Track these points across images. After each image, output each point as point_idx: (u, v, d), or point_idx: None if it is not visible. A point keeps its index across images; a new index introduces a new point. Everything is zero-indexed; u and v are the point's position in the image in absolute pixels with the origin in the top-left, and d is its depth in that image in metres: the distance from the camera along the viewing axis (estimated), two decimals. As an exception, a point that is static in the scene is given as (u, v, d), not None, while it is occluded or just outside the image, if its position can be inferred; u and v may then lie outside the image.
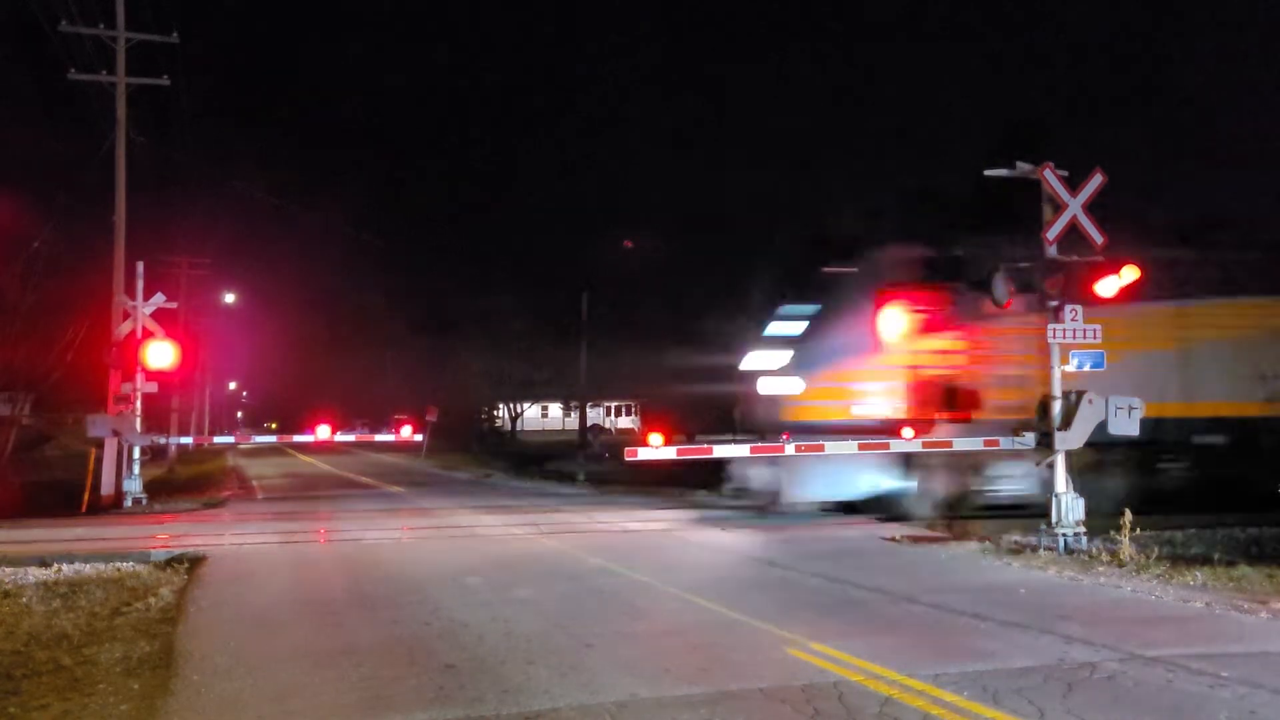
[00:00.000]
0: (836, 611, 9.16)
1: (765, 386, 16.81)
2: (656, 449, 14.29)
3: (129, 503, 20.32)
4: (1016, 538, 13.32)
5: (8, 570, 11.55)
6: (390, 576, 11.34)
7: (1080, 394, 12.95)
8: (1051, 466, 13.01)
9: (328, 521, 17.65)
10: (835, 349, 16.45)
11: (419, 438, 35.91)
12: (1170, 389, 16.75)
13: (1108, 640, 7.85)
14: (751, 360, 17.35)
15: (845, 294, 16.65)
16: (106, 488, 20.98)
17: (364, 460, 44.19)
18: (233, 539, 14.84)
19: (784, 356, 16.68)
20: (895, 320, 16.21)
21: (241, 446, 56.29)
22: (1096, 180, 12.95)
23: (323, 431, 25.30)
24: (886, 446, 14.69)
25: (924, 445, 14.88)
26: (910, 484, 16.18)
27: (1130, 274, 12.76)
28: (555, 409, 77.59)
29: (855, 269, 16.80)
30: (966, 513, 15.82)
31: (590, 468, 30.91)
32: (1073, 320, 12.88)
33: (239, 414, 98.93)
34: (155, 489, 23.25)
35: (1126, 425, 12.82)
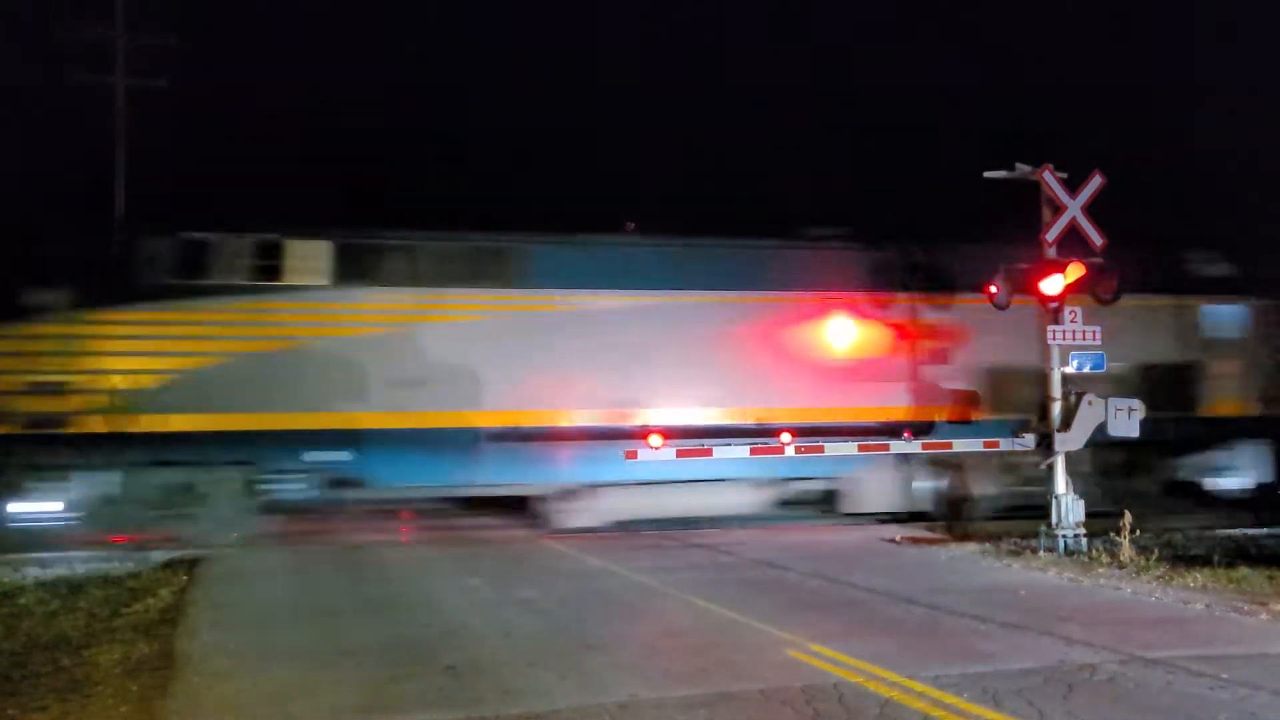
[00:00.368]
0: (836, 612, 9.15)
1: None
2: (657, 449, 14.31)
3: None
4: (1016, 539, 13.33)
5: (7, 571, 11.55)
6: (391, 577, 11.33)
7: (1080, 395, 12.96)
8: (1050, 468, 13.00)
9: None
10: None
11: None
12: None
13: (1108, 642, 7.85)
14: None
15: None
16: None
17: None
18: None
19: None
20: None
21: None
22: (1096, 181, 12.96)
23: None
24: (886, 448, 14.73)
25: (923, 447, 14.91)
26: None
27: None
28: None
29: None
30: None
31: None
32: (1072, 322, 12.89)
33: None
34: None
35: (1126, 427, 12.83)
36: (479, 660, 7.50)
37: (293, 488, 14.06)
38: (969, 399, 15.89)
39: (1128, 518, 12.00)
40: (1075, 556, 12.22)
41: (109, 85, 23.38)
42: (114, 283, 13.80)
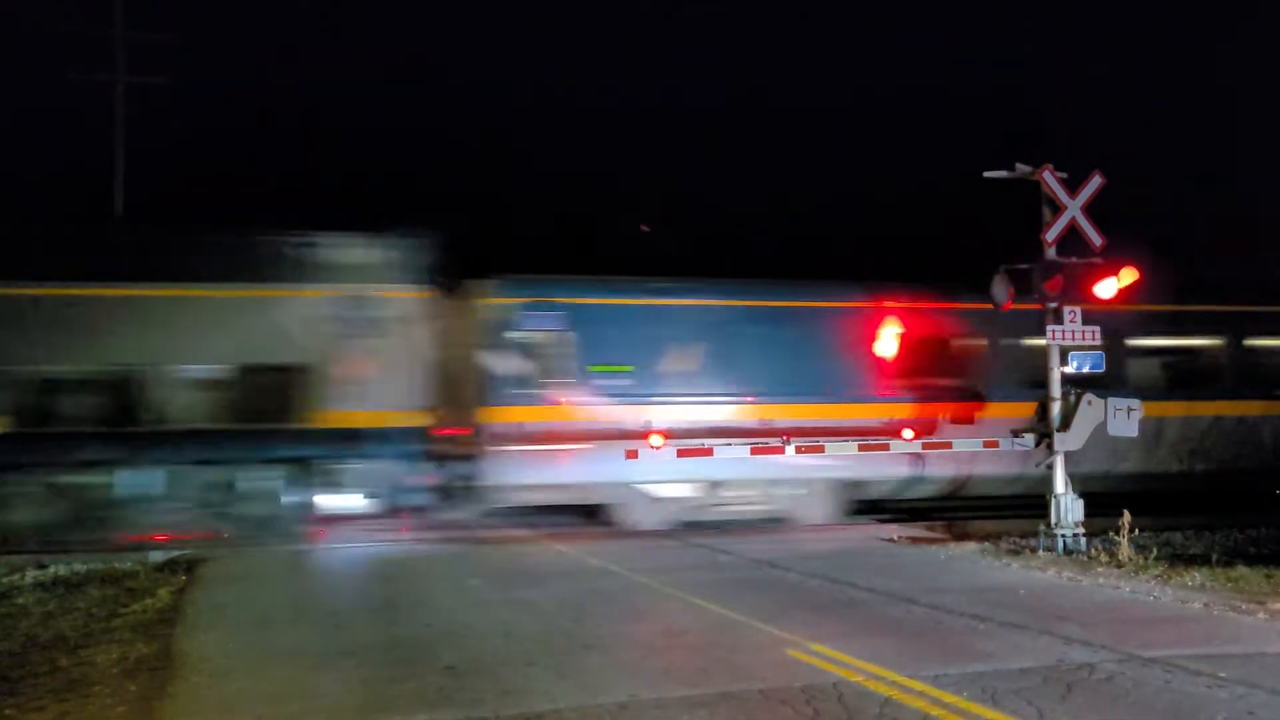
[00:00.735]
0: (836, 612, 9.15)
1: None
2: (657, 449, 14.31)
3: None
4: (1015, 538, 13.34)
5: (5, 570, 11.54)
6: (390, 577, 11.32)
7: (1080, 395, 12.96)
8: (1050, 468, 13.00)
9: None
10: None
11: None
12: None
13: (1106, 641, 7.85)
14: None
15: None
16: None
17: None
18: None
19: None
20: None
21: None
22: (1096, 182, 12.96)
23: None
24: (887, 448, 14.72)
25: (924, 446, 14.92)
26: None
27: (1129, 275, 12.77)
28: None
29: None
30: None
31: None
32: (1072, 322, 12.89)
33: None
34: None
35: (1126, 427, 12.83)
36: (479, 660, 7.49)
37: None
38: None
39: (1127, 517, 12.00)
40: (1074, 556, 12.23)
41: (109, 83, 23.40)
42: None
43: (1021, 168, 13.22)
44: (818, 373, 15.62)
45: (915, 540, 13.97)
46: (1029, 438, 13.37)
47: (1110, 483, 15.68)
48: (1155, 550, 11.85)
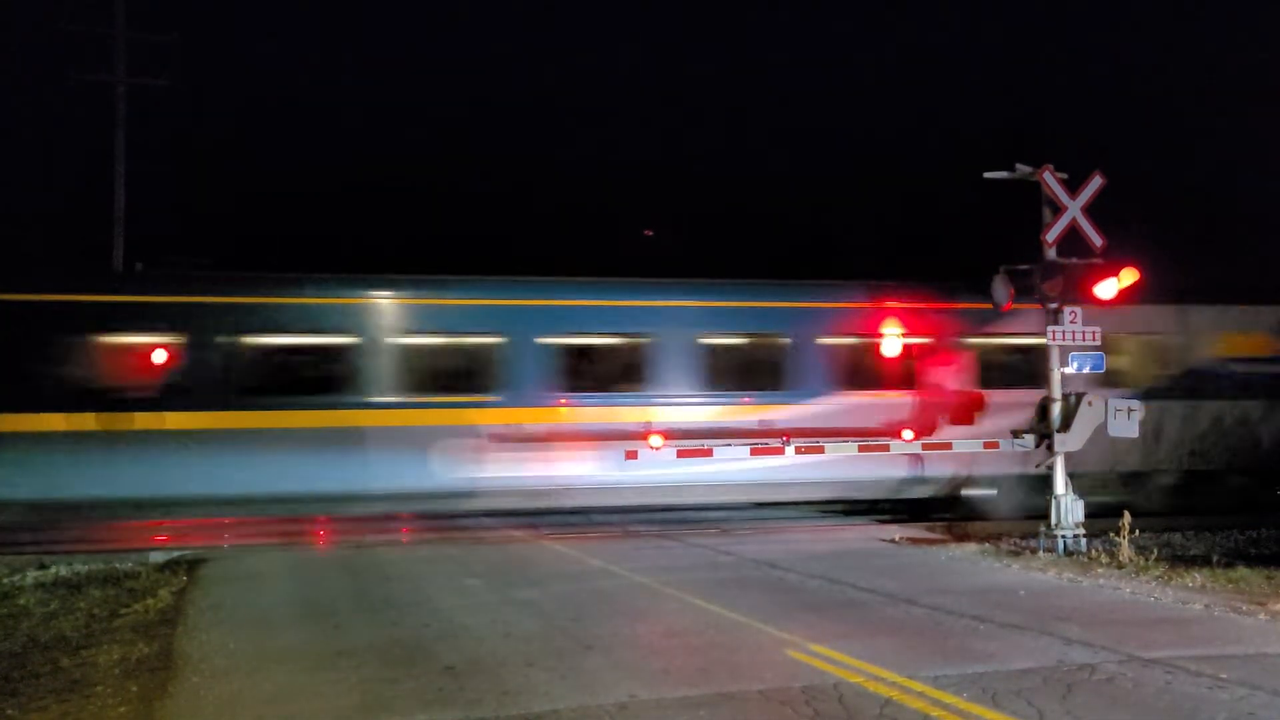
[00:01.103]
0: (836, 612, 9.15)
1: None
2: (657, 450, 14.31)
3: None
4: (1016, 539, 13.33)
5: (6, 571, 11.55)
6: (390, 577, 11.32)
7: (1080, 395, 12.96)
8: (1050, 469, 13.00)
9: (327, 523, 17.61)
10: None
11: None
12: None
13: (1107, 642, 7.85)
14: None
15: None
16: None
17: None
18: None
19: None
20: None
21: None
22: (1096, 182, 12.96)
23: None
24: (887, 449, 14.72)
25: (923, 447, 14.92)
26: None
27: (1129, 276, 12.77)
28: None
29: None
30: None
31: None
32: (1072, 322, 12.89)
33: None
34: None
35: (1126, 428, 12.83)
36: (478, 660, 7.50)
37: None
38: None
39: (1127, 518, 12.00)
40: (1075, 557, 12.23)
41: (109, 84, 23.42)
42: None
43: (1022, 168, 13.22)
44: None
45: (915, 541, 13.96)
46: (1029, 438, 13.38)
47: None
48: (1155, 551, 11.85)
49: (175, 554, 12.96)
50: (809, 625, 8.53)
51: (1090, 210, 12.93)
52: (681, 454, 14.25)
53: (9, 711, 6.51)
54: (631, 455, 14.13)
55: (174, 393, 14.17)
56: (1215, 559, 11.75)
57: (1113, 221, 13.10)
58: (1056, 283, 12.78)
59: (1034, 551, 12.55)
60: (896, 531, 14.86)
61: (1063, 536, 12.59)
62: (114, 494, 13.76)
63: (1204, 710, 6.19)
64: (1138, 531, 12.03)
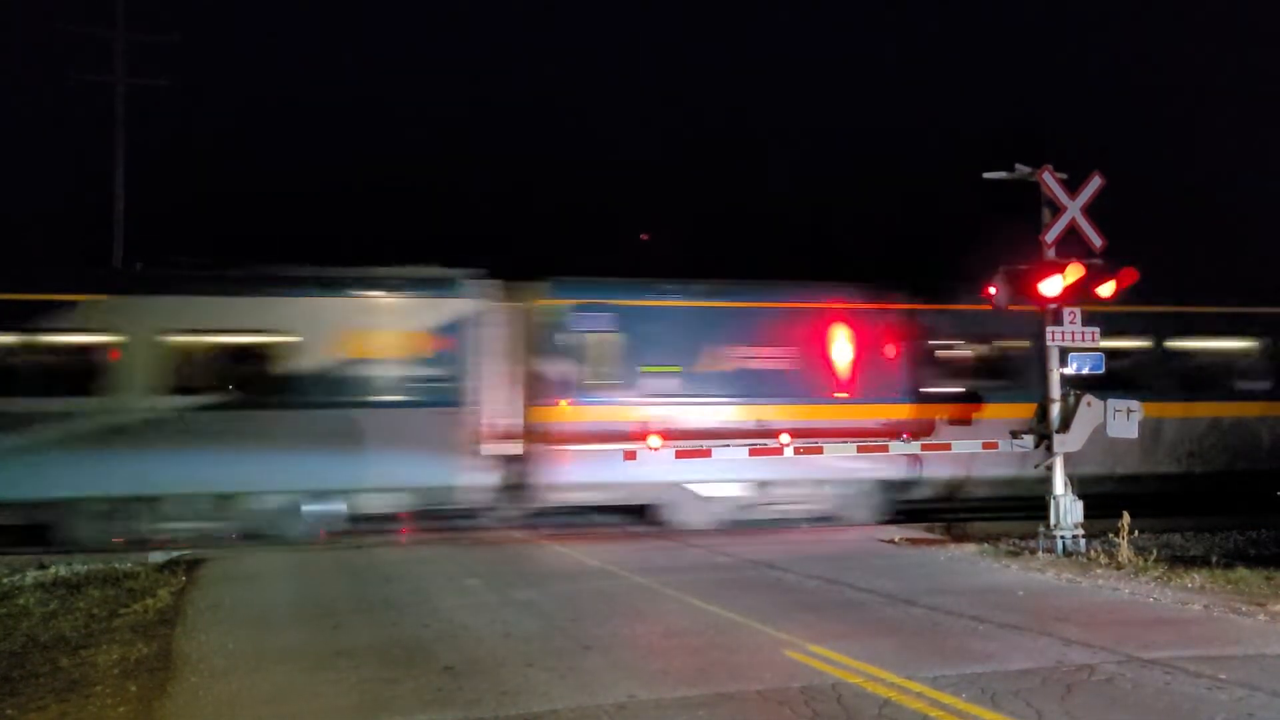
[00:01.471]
0: (835, 613, 9.15)
1: None
2: (656, 450, 14.31)
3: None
4: (1015, 540, 13.33)
5: (5, 571, 11.55)
6: (389, 577, 11.32)
7: (1079, 396, 12.96)
8: (1050, 469, 13.00)
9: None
10: None
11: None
12: None
13: (1106, 642, 7.85)
14: None
15: None
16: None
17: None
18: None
19: None
20: None
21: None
22: (1095, 183, 12.96)
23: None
24: (886, 449, 14.72)
25: (923, 447, 14.91)
26: None
27: (1128, 277, 12.76)
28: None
29: None
30: None
31: None
32: (1071, 323, 12.89)
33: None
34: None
35: (1125, 428, 12.82)
36: (477, 661, 7.50)
37: None
38: None
39: (1126, 519, 12.00)
40: (1074, 557, 12.23)
41: (110, 84, 23.43)
42: None
43: (1021, 168, 13.22)
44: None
45: (914, 542, 13.96)
46: (1028, 439, 13.38)
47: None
48: (1155, 552, 11.84)
49: (174, 554, 12.97)
50: (808, 626, 8.53)
51: (1090, 210, 12.94)
52: None
53: (8, 711, 6.51)
54: None
55: None
56: (1214, 560, 11.75)
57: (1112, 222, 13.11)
58: (1056, 283, 12.72)
59: (1033, 552, 12.54)
60: (895, 532, 14.86)
61: (1062, 537, 12.59)
62: None
63: (1203, 711, 6.20)
64: (1137, 532, 12.03)
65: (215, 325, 14.59)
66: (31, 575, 11.45)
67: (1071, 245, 12.99)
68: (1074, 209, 12.92)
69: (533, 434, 15.17)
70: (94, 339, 14.25)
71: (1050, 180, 12.98)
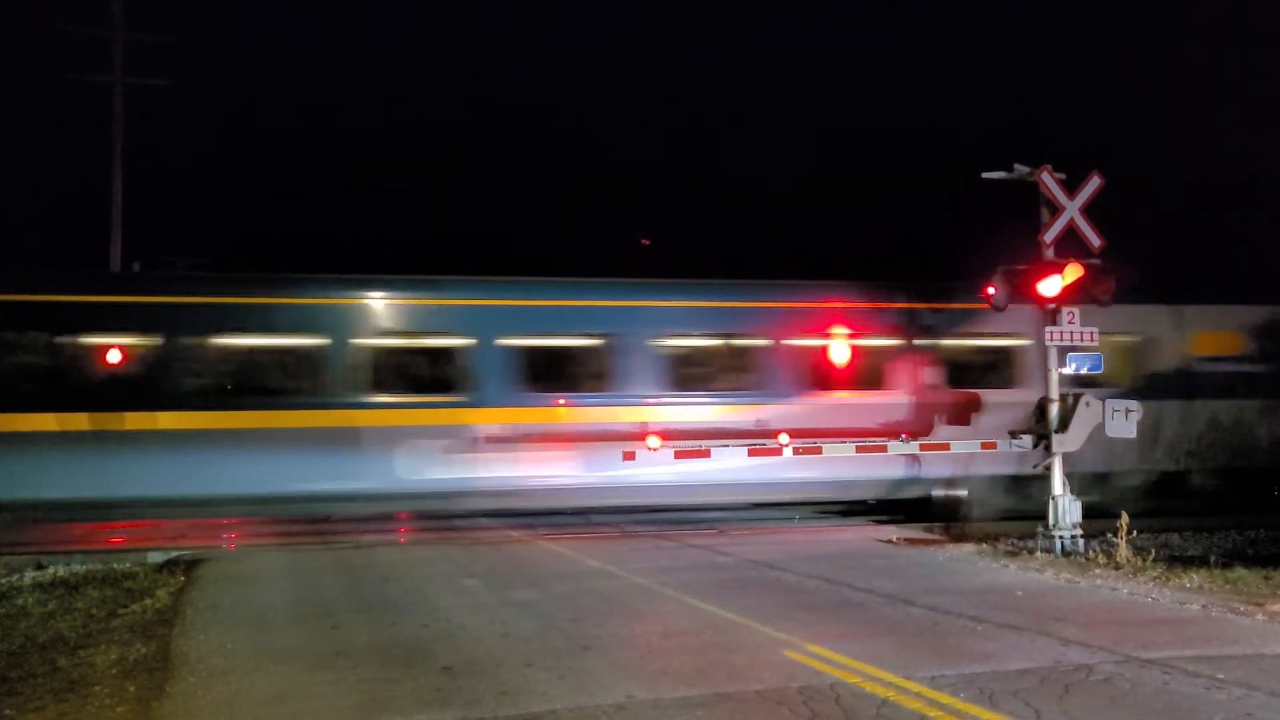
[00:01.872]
0: (833, 613, 9.15)
1: None
2: (655, 451, 14.30)
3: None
4: (1013, 540, 13.33)
5: (4, 571, 11.55)
6: (388, 578, 11.33)
7: (1078, 396, 12.96)
8: (1048, 469, 13.00)
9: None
10: None
11: None
12: None
13: (1104, 642, 7.85)
14: None
15: None
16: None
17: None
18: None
19: None
20: None
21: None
22: (1095, 183, 12.96)
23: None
24: (884, 449, 14.71)
25: (922, 447, 14.91)
26: None
27: (1129, 276, 12.78)
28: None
29: None
30: None
31: None
32: (1070, 323, 12.89)
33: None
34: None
35: (1124, 428, 12.82)
36: (476, 661, 7.50)
37: None
38: None
39: (1125, 519, 12.00)
40: (1072, 557, 12.23)
41: (108, 84, 23.42)
42: None
43: (1020, 168, 13.22)
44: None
45: (913, 542, 13.97)
46: (1027, 439, 13.38)
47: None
48: (1153, 552, 11.84)
49: (173, 554, 12.96)
50: (806, 626, 8.54)
51: (1088, 210, 12.94)
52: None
53: (7, 712, 6.51)
54: None
55: None
56: (1213, 559, 11.75)
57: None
58: (1055, 283, 12.73)
59: (1031, 552, 12.55)
60: (894, 532, 14.87)
61: (1060, 537, 12.60)
62: None
63: (1201, 711, 6.20)
64: (1135, 532, 12.03)
65: None
66: (30, 575, 11.44)
67: (1071, 245, 13.02)
68: (1073, 209, 12.92)
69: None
70: None
71: (1049, 180, 12.98)
